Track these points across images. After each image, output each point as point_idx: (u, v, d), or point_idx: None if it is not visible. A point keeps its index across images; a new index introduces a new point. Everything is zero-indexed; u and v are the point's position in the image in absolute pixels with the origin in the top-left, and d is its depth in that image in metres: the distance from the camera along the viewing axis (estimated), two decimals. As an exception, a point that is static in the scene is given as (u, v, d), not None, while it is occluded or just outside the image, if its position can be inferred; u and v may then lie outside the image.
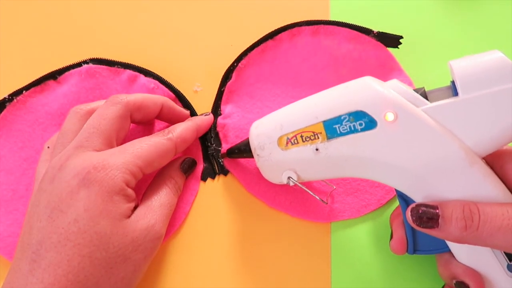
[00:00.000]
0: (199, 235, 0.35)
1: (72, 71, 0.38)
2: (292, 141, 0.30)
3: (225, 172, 0.36)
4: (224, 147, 0.37)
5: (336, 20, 0.39)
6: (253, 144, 0.31)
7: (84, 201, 0.27)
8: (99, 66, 0.38)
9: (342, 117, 0.28)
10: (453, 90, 0.26)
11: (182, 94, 0.38)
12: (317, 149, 0.29)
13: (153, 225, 0.29)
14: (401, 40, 0.39)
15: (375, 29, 0.39)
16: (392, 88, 0.27)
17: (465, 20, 0.42)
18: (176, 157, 0.34)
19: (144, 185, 0.33)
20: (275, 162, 0.31)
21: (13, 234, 0.34)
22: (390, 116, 0.27)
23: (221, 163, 0.36)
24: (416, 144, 0.26)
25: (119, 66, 0.38)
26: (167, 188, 0.32)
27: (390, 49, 0.39)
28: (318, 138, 0.29)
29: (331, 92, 0.30)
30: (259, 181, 0.36)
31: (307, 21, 0.39)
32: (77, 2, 0.43)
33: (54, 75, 0.38)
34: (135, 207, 0.30)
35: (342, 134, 0.28)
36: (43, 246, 0.26)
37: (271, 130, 0.30)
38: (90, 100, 0.37)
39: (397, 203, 0.36)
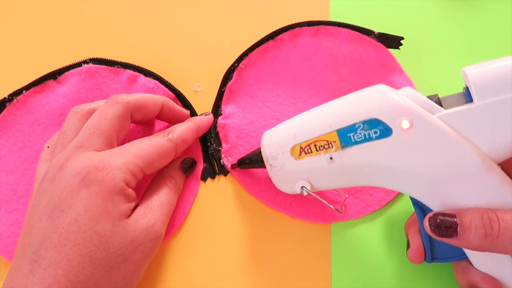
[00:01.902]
0: (199, 235, 0.35)
1: (72, 71, 0.38)
2: (306, 150, 0.29)
3: (225, 172, 0.36)
4: (224, 147, 0.37)
5: (337, 21, 0.39)
6: (265, 154, 0.31)
7: (84, 201, 0.27)
8: (99, 66, 0.38)
9: (356, 126, 0.28)
10: (467, 96, 0.26)
11: (182, 94, 0.38)
12: (331, 158, 0.29)
13: (153, 224, 0.29)
14: (402, 41, 0.39)
15: (376, 29, 0.39)
16: (406, 95, 0.27)
17: (466, 21, 0.42)
18: (176, 157, 0.34)
19: (144, 185, 0.33)
20: (288, 172, 0.30)
21: (13, 234, 0.34)
22: (405, 124, 0.26)
23: (221, 163, 0.36)
24: (432, 151, 0.26)
25: (119, 66, 0.38)
26: (167, 187, 0.32)
27: (391, 50, 0.39)
28: (332, 147, 0.28)
29: (344, 100, 0.29)
30: (259, 182, 0.36)
31: (308, 21, 0.39)
32: (77, 2, 0.43)
33: (54, 75, 0.38)
34: (136, 207, 0.30)
35: (356, 143, 0.28)
36: (43, 246, 0.26)
37: (284, 139, 0.30)
38: (90, 100, 0.37)
39: (398, 205, 0.36)
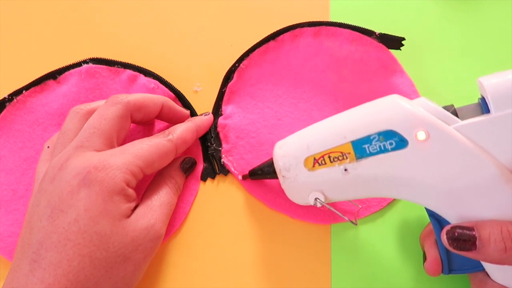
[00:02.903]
0: (199, 235, 0.35)
1: (72, 71, 0.38)
2: (320, 161, 0.29)
3: (225, 172, 0.36)
4: (225, 147, 0.36)
5: (338, 22, 0.39)
6: (278, 165, 0.31)
7: (84, 200, 0.27)
8: (99, 66, 0.38)
9: (371, 137, 0.27)
10: (483, 107, 0.26)
11: (182, 94, 0.38)
12: (345, 170, 0.28)
13: (153, 224, 0.29)
14: (403, 42, 0.39)
15: (376, 30, 0.39)
16: (421, 106, 0.27)
17: (467, 21, 0.42)
18: (176, 157, 0.34)
19: (144, 185, 0.33)
20: (302, 183, 0.30)
21: (13, 234, 0.34)
22: (421, 135, 0.26)
23: (221, 163, 0.36)
24: (449, 163, 0.26)
25: (119, 66, 0.38)
26: (167, 187, 0.32)
27: (392, 51, 0.39)
28: (347, 158, 0.28)
29: (358, 110, 0.29)
30: (259, 183, 0.36)
31: (309, 22, 0.39)
32: (77, 2, 0.43)
33: (54, 75, 0.38)
34: (136, 207, 0.30)
35: (371, 154, 0.27)
36: (43, 246, 0.26)
37: (297, 150, 0.30)
38: (90, 100, 0.37)
39: (398, 207, 0.36)
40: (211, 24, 0.42)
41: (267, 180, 0.35)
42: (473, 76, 0.40)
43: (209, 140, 0.37)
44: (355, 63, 0.39)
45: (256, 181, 0.36)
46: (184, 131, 0.33)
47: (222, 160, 0.36)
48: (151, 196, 0.31)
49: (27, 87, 0.37)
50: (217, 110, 0.38)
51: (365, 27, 0.39)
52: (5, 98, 0.37)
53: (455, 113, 0.27)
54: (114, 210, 0.27)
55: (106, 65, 0.38)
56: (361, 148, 0.28)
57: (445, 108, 0.27)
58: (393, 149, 0.27)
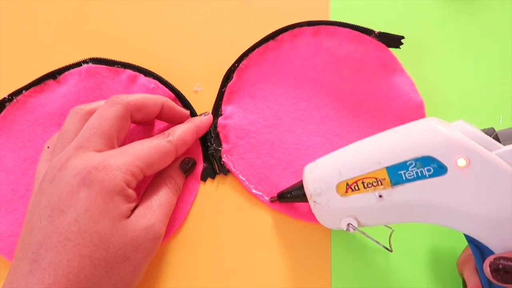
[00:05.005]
0: (199, 235, 0.35)
1: (72, 70, 0.38)
2: (353, 187, 0.28)
3: (225, 172, 0.36)
4: (225, 147, 0.36)
5: (338, 21, 0.39)
6: (309, 190, 0.30)
7: (84, 201, 0.27)
8: (99, 66, 0.38)
9: (407, 163, 0.26)
10: None
11: (182, 94, 0.38)
12: (380, 196, 0.27)
13: (153, 224, 0.29)
14: (402, 40, 0.39)
15: (376, 29, 0.39)
16: (460, 130, 0.25)
17: (467, 20, 0.42)
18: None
19: (144, 185, 0.33)
20: (334, 208, 0.29)
21: (13, 234, 0.34)
22: (461, 162, 0.25)
23: (221, 163, 0.36)
24: (491, 190, 0.25)
25: (119, 66, 0.38)
26: (167, 188, 0.32)
27: (392, 50, 0.39)
28: (381, 184, 0.27)
29: (392, 134, 0.28)
30: (260, 182, 0.36)
31: (308, 21, 0.39)
32: (77, 2, 0.43)
33: (54, 75, 0.38)
34: (136, 207, 0.30)
35: (408, 181, 0.26)
36: (43, 246, 0.26)
37: (329, 175, 0.29)
38: (90, 100, 0.37)
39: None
40: (211, 24, 0.42)
41: (267, 179, 0.35)
42: (473, 76, 0.40)
43: (209, 140, 0.37)
44: (355, 62, 0.39)
45: (257, 180, 0.36)
46: (184, 132, 0.33)
47: (222, 160, 0.36)
48: (151, 196, 0.31)
49: (27, 87, 0.37)
50: (217, 110, 0.38)
51: (365, 26, 0.39)
52: (5, 98, 0.37)
53: (496, 137, 0.25)
54: (114, 210, 0.27)
55: (106, 65, 0.38)
56: (396, 174, 0.27)
57: (486, 132, 0.26)
58: (431, 176, 0.26)
